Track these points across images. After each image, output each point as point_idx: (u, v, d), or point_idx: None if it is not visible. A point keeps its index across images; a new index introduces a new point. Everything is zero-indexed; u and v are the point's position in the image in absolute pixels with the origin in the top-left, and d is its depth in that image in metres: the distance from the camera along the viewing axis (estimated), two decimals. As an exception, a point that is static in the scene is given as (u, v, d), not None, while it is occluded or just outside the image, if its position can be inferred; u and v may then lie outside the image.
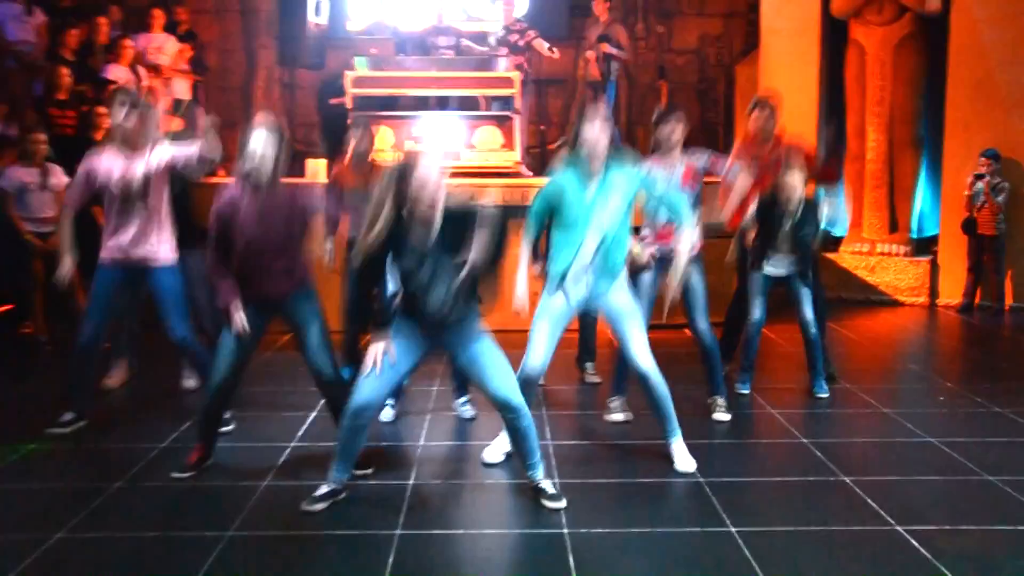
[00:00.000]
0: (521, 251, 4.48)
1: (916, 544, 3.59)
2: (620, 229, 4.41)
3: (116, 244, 4.95)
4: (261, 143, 4.21)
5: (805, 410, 5.55)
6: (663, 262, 5.04)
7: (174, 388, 5.84)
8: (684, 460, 4.53)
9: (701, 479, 4.28)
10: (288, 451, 4.71)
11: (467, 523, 3.90)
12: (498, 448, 4.63)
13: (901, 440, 4.92)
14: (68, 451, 4.79)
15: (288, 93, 10.92)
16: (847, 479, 4.29)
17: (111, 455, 4.67)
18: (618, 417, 5.34)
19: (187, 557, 3.50)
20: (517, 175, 8.63)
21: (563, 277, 4.39)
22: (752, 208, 5.76)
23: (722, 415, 5.37)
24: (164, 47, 9.98)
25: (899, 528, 3.74)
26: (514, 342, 4.51)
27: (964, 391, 5.84)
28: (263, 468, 4.45)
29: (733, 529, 3.73)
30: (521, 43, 9.51)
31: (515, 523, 3.95)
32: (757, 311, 5.87)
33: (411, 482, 4.28)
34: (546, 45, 9.59)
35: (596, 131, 4.27)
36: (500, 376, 4.04)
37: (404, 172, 3.82)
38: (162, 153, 4.87)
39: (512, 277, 4.41)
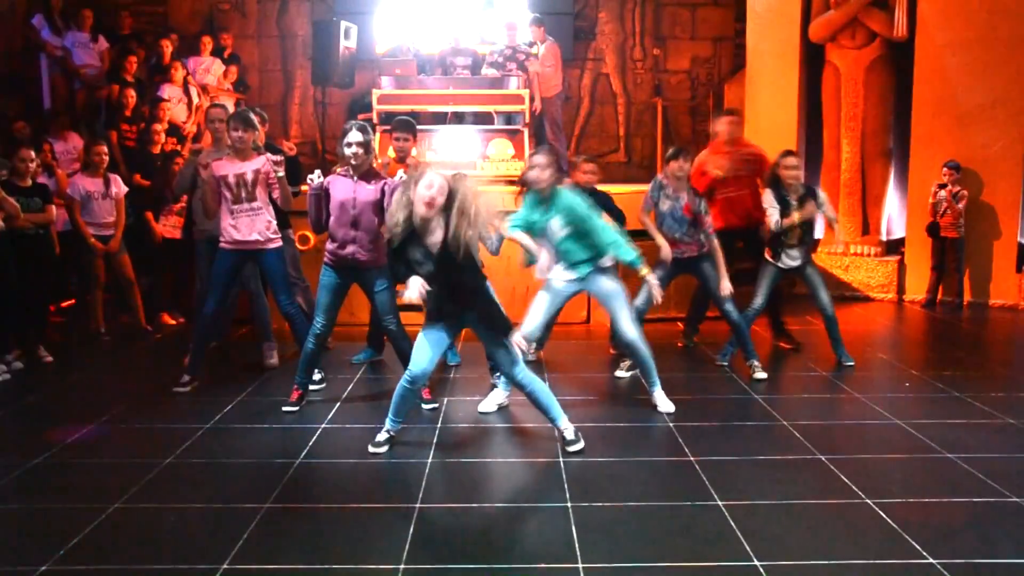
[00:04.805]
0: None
1: (884, 515, 3.57)
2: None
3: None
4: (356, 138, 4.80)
5: (785, 395, 5.52)
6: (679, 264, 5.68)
7: (218, 375, 5.85)
8: (664, 404, 5.02)
9: (691, 458, 4.26)
10: (319, 433, 4.70)
11: (480, 499, 3.88)
12: (492, 400, 5.04)
13: (871, 422, 4.89)
14: (124, 430, 4.79)
15: (321, 109, 10.93)
16: (822, 457, 4.26)
17: (162, 434, 4.66)
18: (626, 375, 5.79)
19: (229, 525, 3.50)
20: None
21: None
22: (770, 199, 5.85)
23: (760, 374, 5.68)
24: (211, 68, 10.08)
25: (869, 501, 3.72)
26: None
27: (927, 378, 5.80)
28: (297, 448, 4.45)
29: (720, 503, 3.71)
30: (525, 64, 9.45)
31: (524, 498, 3.95)
32: (761, 300, 5.91)
33: (429, 460, 4.27)
34: (535, 67, 9.45)
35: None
36: (507, 356, 4.30)
37: (414, 180, 3.98)
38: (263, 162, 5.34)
39: None
